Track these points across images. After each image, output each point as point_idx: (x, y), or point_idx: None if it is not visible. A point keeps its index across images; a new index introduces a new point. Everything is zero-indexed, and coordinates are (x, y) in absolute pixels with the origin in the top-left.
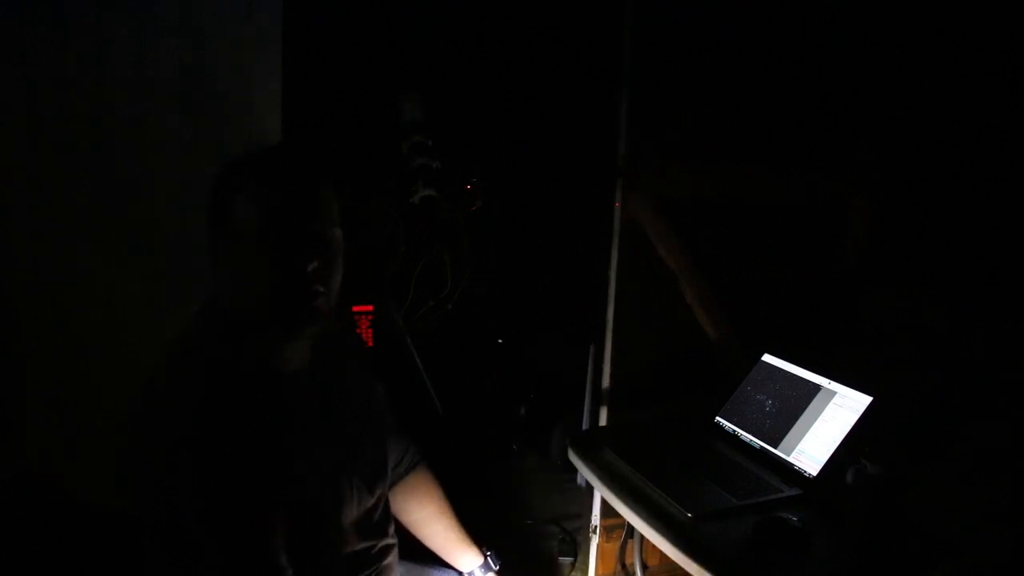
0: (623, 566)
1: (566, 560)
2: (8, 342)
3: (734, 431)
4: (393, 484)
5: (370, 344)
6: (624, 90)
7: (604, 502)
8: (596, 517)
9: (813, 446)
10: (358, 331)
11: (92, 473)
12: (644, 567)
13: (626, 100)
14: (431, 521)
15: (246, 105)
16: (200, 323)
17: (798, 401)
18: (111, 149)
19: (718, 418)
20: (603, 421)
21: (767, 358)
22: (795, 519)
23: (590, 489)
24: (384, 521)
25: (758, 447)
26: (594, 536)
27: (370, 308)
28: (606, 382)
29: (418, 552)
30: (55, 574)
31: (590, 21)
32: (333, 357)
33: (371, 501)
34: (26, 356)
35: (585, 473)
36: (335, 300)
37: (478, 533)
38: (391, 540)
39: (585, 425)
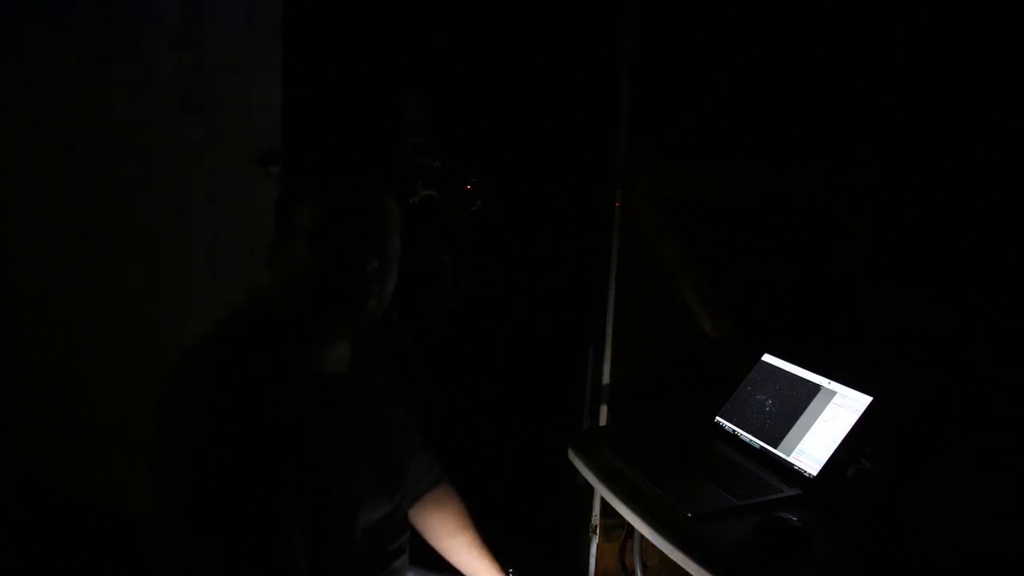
0: (623, 566)
1: None
2: (8, 342)
3: (734, 431)
4: (415, 499)
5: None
6: (624, 90)
7: (604, 502)
8: (596, 517)
9: (813, 446)
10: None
11: (92, 473)
12: (644, 567)
13: (626, 100)
14: (452, 534)
15: (246, 105)
16: (244, 320)
17: (798, 401)
18: (111, 149)
19: (718, 418)
20: (603, 421)
21: (767, 358)
22: (795, 519)
23: (590, 489)
24: (400, 528)
25: (758, 447)
26: (594, 536)
27: None
28: (606, 382)
29: (432, 561)
30: (55, 574)
31: (590, 21)
32: (369, 362)
33: (389, 506)
34: (26, 356)
35: (585, 473)
36: (385, 305)
37: (500, 552)
38: (404, 545)
39: (585, 425)
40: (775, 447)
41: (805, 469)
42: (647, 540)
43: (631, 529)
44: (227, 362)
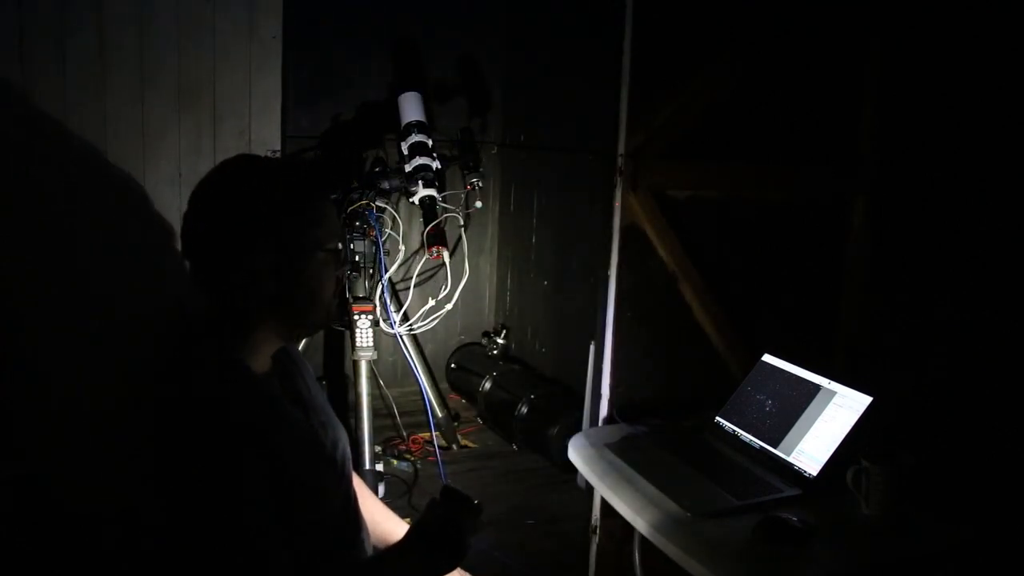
0: (623, 566)
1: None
2: (8, 342)
3: (734, 431)
4: None
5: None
6: (624, 88)
7: (604, 502)
8: (596, 517)
9: (813, 446)
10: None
11: (90, 474)
12: (644, 567)
13: (626, 99)
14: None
15: (246, 105)
16: (203, 329)
17: (798, 401)
18: (111, 149)
19: (718, 418)
20: (603, 421)
21: (767, 358)
22: (795, 519)
23: (590, 489)
24: (358, 517)
25: (758, 447)
26: (594, 536)
27: (370, 308)
28: (606, 382)
29: None
30: (53, 574)
31: (591, 20)
32: (281, 357)
33: (346, 491)
34: (26, 356)
35: (585, 473)
36: None
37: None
38: (365, 538)
39: (585, 425)
40: (775, 447)
41: (805, 469)
42: (647, 540)
43: (631, 529)
44: (196, 372)
